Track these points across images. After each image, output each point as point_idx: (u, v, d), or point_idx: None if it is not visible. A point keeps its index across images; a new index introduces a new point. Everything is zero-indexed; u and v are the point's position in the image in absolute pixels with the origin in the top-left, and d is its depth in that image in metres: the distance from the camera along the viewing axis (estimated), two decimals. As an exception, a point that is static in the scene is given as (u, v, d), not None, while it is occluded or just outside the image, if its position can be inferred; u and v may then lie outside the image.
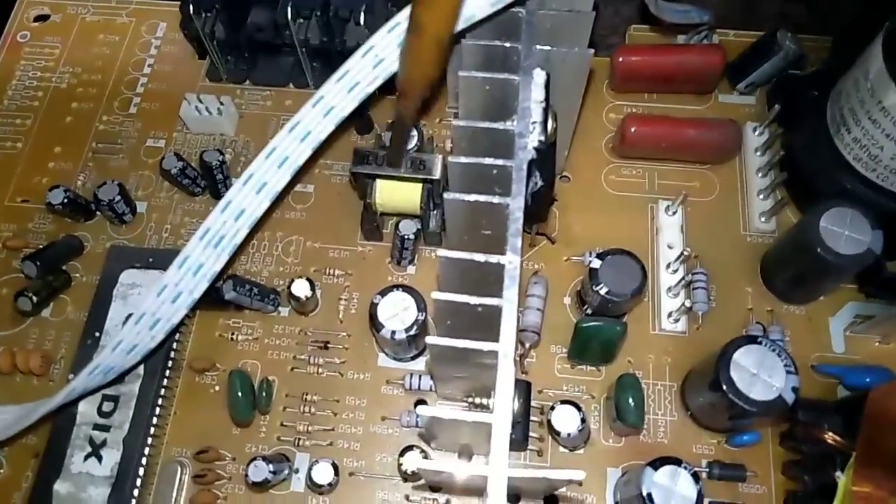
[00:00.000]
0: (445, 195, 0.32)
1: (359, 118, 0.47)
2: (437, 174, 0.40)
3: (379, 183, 0.41)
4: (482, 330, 0.31)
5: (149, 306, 0.36)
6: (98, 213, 0.46)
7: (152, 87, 0.52)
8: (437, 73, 0.36)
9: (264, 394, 0.39)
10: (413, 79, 0.34)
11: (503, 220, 0.32)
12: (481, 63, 0.36)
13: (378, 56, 0.36)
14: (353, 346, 0.43)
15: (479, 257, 0.31)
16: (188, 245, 0.36)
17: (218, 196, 0.46)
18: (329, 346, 0.43)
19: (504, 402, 0.28)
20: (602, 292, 0.38)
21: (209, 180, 0.45)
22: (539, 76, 0.35)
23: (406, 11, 0.35)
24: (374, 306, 0.38)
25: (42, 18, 0.55)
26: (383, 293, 0.38)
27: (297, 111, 0.38)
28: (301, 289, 0.40)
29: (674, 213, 0.45)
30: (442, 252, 0.31)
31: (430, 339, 0.30)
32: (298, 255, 0.46)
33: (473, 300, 0.30)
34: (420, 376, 0.41)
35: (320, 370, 0.42)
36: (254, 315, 0.44)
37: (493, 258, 0.31)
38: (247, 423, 0.40)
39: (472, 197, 0.32)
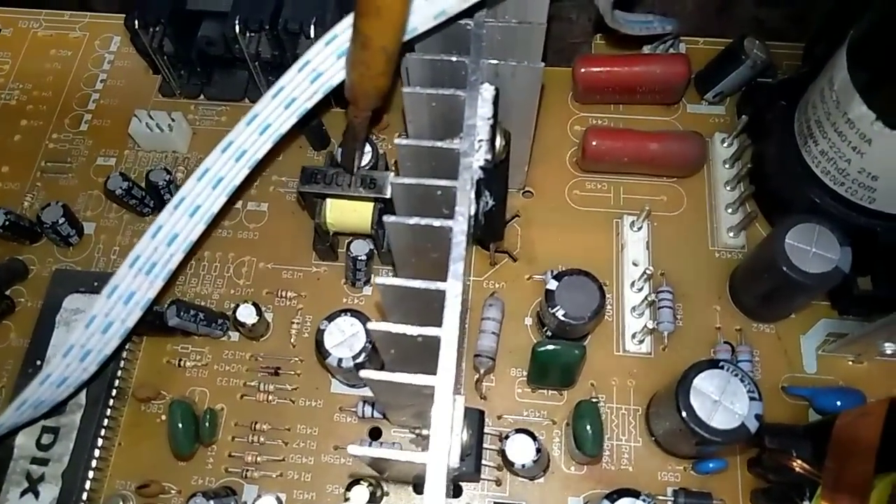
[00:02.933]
0: (385, 218, 0.31)
1: (313, 133, 0.46)
2: (388, 193, 0.38)
3: (329, 202, 0.40)
4: (427, 360, 0.29)
5: (77, 338, 0.34)
6: (44, 235, 0.45)
7: (104, 102, 0.50)
8: (387, 84, 0.34)
9: (207, 424, 0.38)
10: (362, 90, 0.33)
11: (447, 244, 0.31)
12: (428, 78, 0.35)
13: (316, 70, 0.34)
14: (306, 372, 0.41)
15: (417, 284, 0.29)
16: (117, 273, 0.35)
17: (167, 216, 0.45)
18: (280, 372, 0.41)
19: (440, 440, 0.27)
20: (559, 315, 0.36)
21: (157, 200, 0.44)
22: (487, 91, 0.33)
23: (345, 22, 0.34)
24: (320, 332, 0.36)
25: (-8, 33, 0.53)
26: (330, 318, 0.37)
27: (232, 129, 0.36)
28: (247, 314, 0.39)
29: (639, 228, 0.43)
30: (380, 280, 0.29)
31: (365, 373, 0.28)
32: (251, 276, 0.44)
33: (411, 330, 0.29)
34: (371, 404, 0.39)
35: (271, 397, 0.41)
36: (203, 340, 0.42)
37: (433, 285, 0.29)
38: (188, 456, 0.38)
39: (412, 220, 0.30)
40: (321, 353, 0.36)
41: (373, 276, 0.43)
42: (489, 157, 0.32)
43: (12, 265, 0.43)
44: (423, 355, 0.30)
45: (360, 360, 0.36)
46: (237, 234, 0.45)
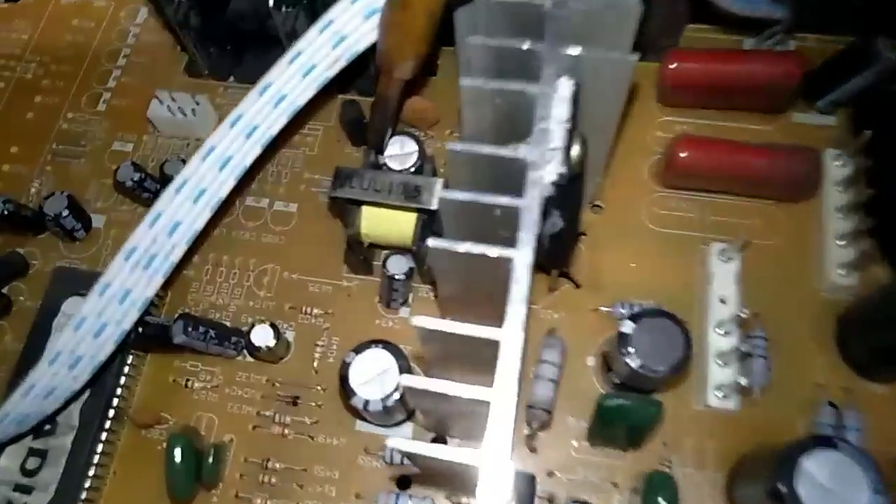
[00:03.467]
0: (430, 243, 0.25)
1: (353, 125, 0.40)
2: (434, 205, 0.32)
3: (365, 210, 0.34)
4: (473, 423, 0.23)
5: (65, 343, 0.30)
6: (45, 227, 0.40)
7: (126, 81, 0.45)
8: (427, 50, 0.29)
9: (212, 461, 0.32)
10: (398, 56, 0.27)
11: (504, 280, 0.24)
12: (491, 68, 0.28)
13: (339, 33, 0.28)
14: (328, 404, 0.36)
15: (464, 330, 0.23)
16: (111, 268, 0.30)
17: (183, 213, 0.40)
18: (299, 401, 0.36)
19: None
20: (633, 365, 0.30)
21: (172, 195, 0.39)
22: (564, 87, 0.27)
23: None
24: (345, 367, 0.31)
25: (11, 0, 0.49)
26: (358, 350, 0.31)
27: (241, 101, 0.31)
28: (262, 337, 0.33)
29: (729, 258, 0.36)
30: (418, 321, 0.23)
31: (393, 442, 0.22)
32: (273, 287, 0.38)
33: (454, 390, 0.23)
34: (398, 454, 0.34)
35: (287, 431, 0.35)
36: (214, 358, 0.37)
37: (485, 331, 0.23)
38: (185, 501, 0.33)
39: (462, 247, 0.24)
40: (346, 390, 0.31)
41: (411, 295, 0.37)
42: (563, 170, 0.26)
43: (11, 259, 0.39)
44: (469, 416, 0.24)
45: (390, 402, 0.30)
46: (261, 238, 0.40)
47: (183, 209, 0.30)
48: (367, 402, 0.30)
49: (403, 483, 0.34)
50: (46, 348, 0.35)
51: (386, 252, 0.37)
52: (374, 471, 0.34)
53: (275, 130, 0.31)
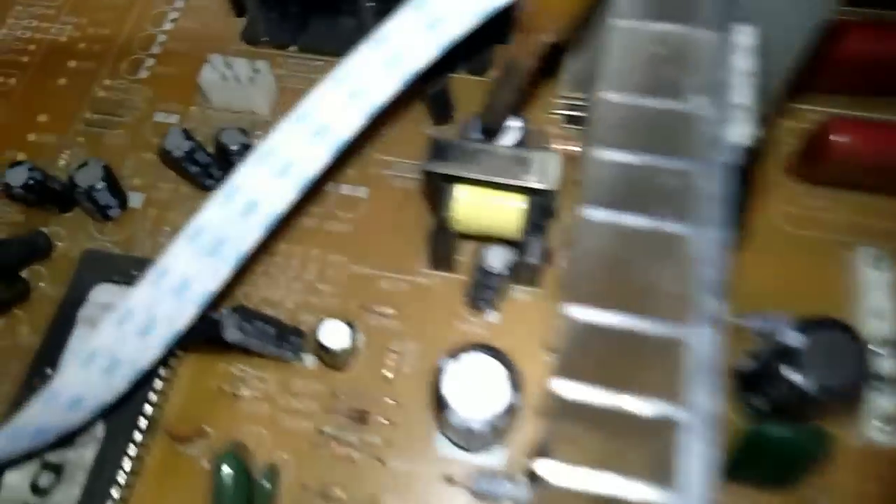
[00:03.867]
0: (586, 211, 0.19)
1: (436, 100, 0.35)
2: (550, 182, 0.27)
3: (461, 190, 0.28)
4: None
5: (104, 341, 0.24)
6: (77, 203, 0.35)
7: (172, 46, 0.40)
8: (582, 7, 0.23)
9: (268, 485, 0.26)
10: (546, 10, 0.22)
11: (683, 267, 0.19)
12: (647, 8, 0.23)
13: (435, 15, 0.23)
14: (403, 422, 0.30)
15: (644, 324, 0.17)
16: (170, 251, 0.24)
17: (236, 192, 0.34)
18: (368, 417, 0.30)
19: None
20: (806, 385, 0.24)
21: (226, 170, 0.33)
22: (745, 35, 0.22)
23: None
24: (439, 375, 0.25)
25: (49, -43, 0.44)
26: (455, 355, 0.25)
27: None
28: (335, 336, 0.27)
29: (885, 267, 0.30)
30: (571, 309, 0.18)
31: (550, 470, 0.17)
32: (338, 282, 0.33)
33: (627, 402, 0.17)
34: (500, 480, 0.28)
35: (354, 453, 0.29)
36: (265, 362, 0.31)
37: (666, 327, 0.18)
38: None
39: (636, 220, 0.19)
40: (440, 405, 0.25)
41: (505, 296, 0.31)
42: (752, 131, 0.20)
43: (32, 239, 0.33)
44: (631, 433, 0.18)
45: (499, 423, 0.24)
46: (324, 225, 0.34)
47: (266, 185, 0.24)
48: (466, 423, 0.24)
49: (495, 523, 0.28)
50: (76, 347, 0.30)
51: (482, 246, 0.31)
52: (460, 505, 0.28)
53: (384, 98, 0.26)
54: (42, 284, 0.34)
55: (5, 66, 0.40)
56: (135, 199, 0.35)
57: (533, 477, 0.28)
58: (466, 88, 0.36)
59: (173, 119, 0.38)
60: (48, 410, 0.24)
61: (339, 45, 0.38)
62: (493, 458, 0.29)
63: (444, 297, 0.32)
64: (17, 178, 0.32)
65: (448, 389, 0.24)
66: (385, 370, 0.31)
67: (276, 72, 0.38)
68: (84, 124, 0.38)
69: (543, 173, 0.27)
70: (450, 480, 0.28)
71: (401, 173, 0.35)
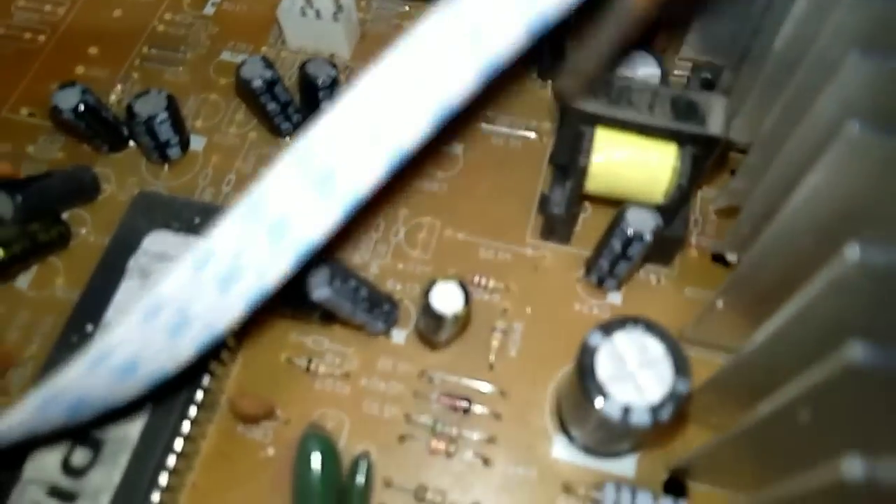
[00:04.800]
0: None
1: (547, 51, 0.30)
2: (718, 129, 0.22)
3: (604, 136, 0.23)
4: None
5: (172, 291, 0.18)
6: (131, 140, 0.30)
7: (242, -18, 0.36)
8: None
9: (360, 479, 0.21)
10: None
11: None
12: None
13: None
14: (512, 416, 0.25)
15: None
16: (266, 177, 0.19)
17: (316, 139, 0.30)
18: (470, 407, 0.25)
19: None
20: None
21: (308, 110, 0.28)
22: None
23: None
24: (589, 353, 0.20)
25: None
26: (607, 329, 0.20)
27: None
28: (447, 299, 0.22)
29: None
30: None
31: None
32: (430, 247, 0.28)
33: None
34: (632, 491, 0.23)
35: (452, 448, 0.24)
36: (347, 334, 0.26)
37: None
38: None
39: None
40: (587, 391, 0.20)
41: (633, 274, 0.26)
42: None
43: (77, 174, 0.28)
44: None
45: (663, 415, 0.19)
46: (415, 183, 0.29)
47: (396, 97, 0.19)
48: (626, 411, 0.19)
49: (625, 543, 0.23)
50: (125, 300, 0.25)
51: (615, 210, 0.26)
52: (581, 520, 0.23)
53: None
54: (83, 231, 0.29)
55: (54, -6, 0.36)
56: (195, 143, 0.31)
57: (671, 490, 0.24)
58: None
59: (241, 59, 0.33)
60: (94, 375, 0.19)
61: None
62: (621, 466, 0.24)
63: (556, 273, 0.27)
64: (68, 100, 0.27)
65: (602, 371, 0.20)
66: (489, 352, 0.26)
67: (360, 17, 0.34)
68: (140, 59, 0.33)
69: (713, 117, 0.22)
70: (568, 489, 0.23)
71: (502, 130, 0.30)
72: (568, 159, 0.25)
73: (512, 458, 0.24)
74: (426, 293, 0.22)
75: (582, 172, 0.23)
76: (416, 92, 0.19)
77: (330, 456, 0.20)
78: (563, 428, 0.24)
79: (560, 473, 0.24)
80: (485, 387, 0.25)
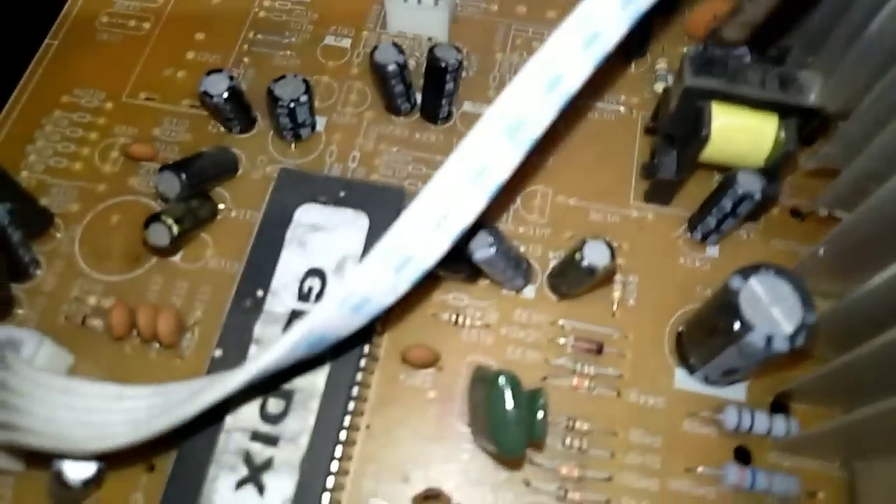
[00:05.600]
0: None
1: (636, 34, 0.33)
2: (818, 100, 0.26)
3: (718, 108, 0.27)
4: None
5: (402, 232, 0.22)
6: (257, 122, 0.32)
7: (335, -30, 0.38)
8: None
9: (541, 412, 0.24)
10: None
11: None
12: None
13: None
14: (636, 354, 0.28)
15: None
16: (476, 129, 0.22)
17: (434, 116, 0.32)
18: (603, 349, 0.28)
19: None
20: None
21: (432, 91, 0.31)
22: None
23: None
24: (733, 295, 0.24)
25: None
26: (745, 274, 0.24)
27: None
28: (597, 254, 0.26)
29: None
30: None
31: None
32: (545, 212, 0.31)
33: None
34: (750, 412, 0.27)
35: (590, 384, 0.28)
36: (484, 291, 0.29)
37: None
38: (519, 459, 0.26)
39: None
40: (731, 322, 0.23)
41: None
42: None
43: (222, 155, 0.31)
44: None
45: (799, 342, 0.23)
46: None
47: (534, 102, 0.23)
48: (769, 339, 0.23)
49: (742, 456, 0.27)
50: (284, 270, 0.28)
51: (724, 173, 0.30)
52: (706, 440, 0.27)
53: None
54: (222, 206, 0.31)
55: (152, -18, 0.37)
56: (318, 123, 0.33)
57: (776, 410, 0.28)
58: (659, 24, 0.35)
59: (345, 43, 0.35)
60: (337, 313, 0.22)
61: (518, -26, 0.37)
62: (735, 392, 0.28)
63: (659, 231, 0.31)
64: (217, 86, 0.29)
65: (745, 307, 0.23)
66: (611, 303, 0.29)
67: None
68: (248, 44, 0.35)
69: (812, 90, 0.26)
70: (692, 414, 0.27)
71: (597, 103, 0.34)
72: (681, 131, 0.28)
73: (640, 390, 0.28)
74: (577, 251, 0.26)
75: (704, 141, 0.27)
76: (548, 92, 0.23)
77: (519, 390, 0.24)
78: (684, 362, 0.28)
79: (683, 401, 0.28)
80: (610, 331, 0.29)
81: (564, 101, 0.24)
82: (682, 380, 0.28)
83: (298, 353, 0.22)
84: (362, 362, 0.27)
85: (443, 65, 0.30)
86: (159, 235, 0.28)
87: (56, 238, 0.31)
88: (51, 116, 0.34)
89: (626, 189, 0.32)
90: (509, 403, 0.23)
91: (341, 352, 0.26)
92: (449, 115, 0.33)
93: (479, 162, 0.23)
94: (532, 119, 0.23)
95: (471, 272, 0.28)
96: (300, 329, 0.21)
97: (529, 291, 0.30)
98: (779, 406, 0.28)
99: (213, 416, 0.26)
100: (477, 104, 0.34)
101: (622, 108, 0.34)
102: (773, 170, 0.28)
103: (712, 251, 0.31)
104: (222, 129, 0.33)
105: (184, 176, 0.28)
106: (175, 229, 0.28)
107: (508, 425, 0.23)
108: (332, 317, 0.22)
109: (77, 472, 0.23)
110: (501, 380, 0.23)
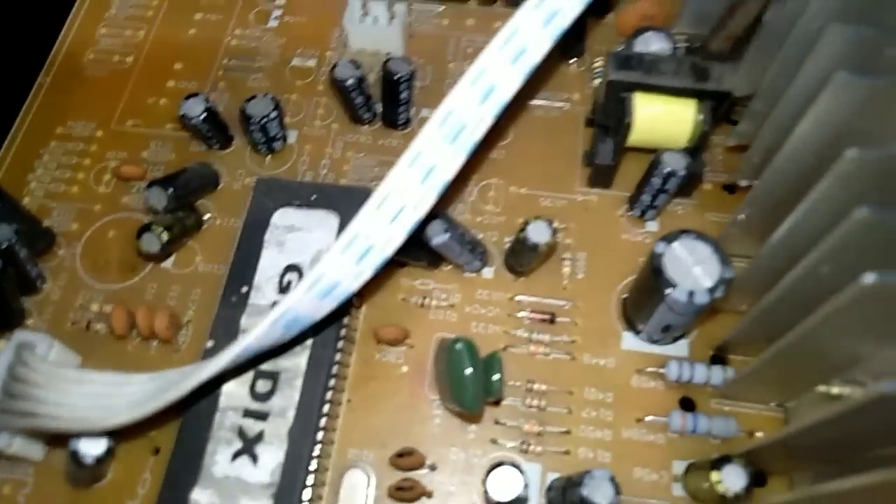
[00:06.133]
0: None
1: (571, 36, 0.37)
2: (729, 86, 0.29)
3: (641, 99, 0.30)
4: None
5: (361, 227, 0.25)
6: (234, 140, 0.36)
7: (296, -4, 0.42)
8: None
9: (497, 373, 0.28)
10: None
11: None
12: None
13: None
14: (587, 321, 0.32)
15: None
16: (421, 135, 0.25)
17: (394, 123, 0.36)
18: (555, 318, 0.32)
19: None
20: None
21: (389, 100, 0.35)
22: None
23: None
24: (657, 258, 0.27)
25: (160, -84, 0.45)
26: (668, 239, 0.27)
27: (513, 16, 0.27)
28: (539, 232, 0.29)
29: None
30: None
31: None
32: (499, 202, 0.35)
33: None
34: (690, 365, 0.30)
35: (546, 350, 0.31)
36: (447, 275, 0.33)
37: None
38: (478, 414, 0.29)
39: None
40: (659, 282, 0.27)
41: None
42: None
43: (204, 171, 0.34)
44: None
45: (718, 293, 0.26)
46: (480, 154, 0.36)
47: (471, 107, 0.26)
48: (691, 294, 0.26)
49: (687, 405, 0.30)
50: (265, 267, 0.31)
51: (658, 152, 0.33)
52: (653, 393, 0.30)
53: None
54: (208, 216, 0.34)
55: (132, 20, 0.41)
56: (290, 137, 0.36)
57: (716, 362, 0.31)
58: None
59: (311, 63, 0.39)
60: (307, 297, 0.25)
61: (463, -10, 0.40)
62: (677, 349, 0.31)
63: (603, 211, 0.34)
64: (194, 109, 0.33)
65: (669, 269, 0.27)
66: (561, 277, 0.33)
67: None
68: (223, 70, 0.39)
69: (723, 77, 0.30)
70: (639, 371, 0.31)
71: (541, 101, 0.37)
72: (612, 120, 0.32)
73: (592, 353, 0.31)
74: (521, 231, 0.29)
75: (627, 129, 0.30)
76: (483, 101, 0.26)
77: (473, 351, 0.27)
78: (630, 325, 0.31)
79: (631, 360, 0.31)
80: (562, 303, 0.32)
81: (499, 108, 0.27)
82: (629, 341, 0.31)
83: (276, 335, 0.26)
84: (340, 343, 0.30)
85: (396, 76, 0.33)
86: (151, 243, 0.31)
87: (59, 255, 0.34)
88: (48, 147, 0.37)
89: (572, 176, 0.35)
90: (465, 363, 0.26)
91: (319, 333, 0.30)
92: (408, 122, 0.36)
93: (427, 163, 0.26)
94: (471, 124, 0.27)
95: (432, 258, 0.31)
96: (275, 313, 0.25)
97: (488, 273, 0.33)
98: (718, 360, 0.31)
99: (209, 398, 0.29)
100: (433, 110, 0.37)
101: (566, 105, 0.37)
102: (696, 148, 0.31)
103: (651, 226, 0.34)
104: (204, 147, 0.36)
105: (170, 189, 0.31)
106: (164, 236, 0.31)
107: (466, 383, 0.26)
108: (303, 300, 0.25)
109: (90, 448, 0.26)
110: (458, 345, 0.27)
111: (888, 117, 0.23)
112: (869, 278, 0.19)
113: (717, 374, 0.30)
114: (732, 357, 0.31)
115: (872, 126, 0.23)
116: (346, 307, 0.30)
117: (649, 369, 0.31)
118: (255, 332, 0.25)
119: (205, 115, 0.33)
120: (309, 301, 0.25)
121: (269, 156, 0.36)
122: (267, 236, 0.32)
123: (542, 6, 0.27)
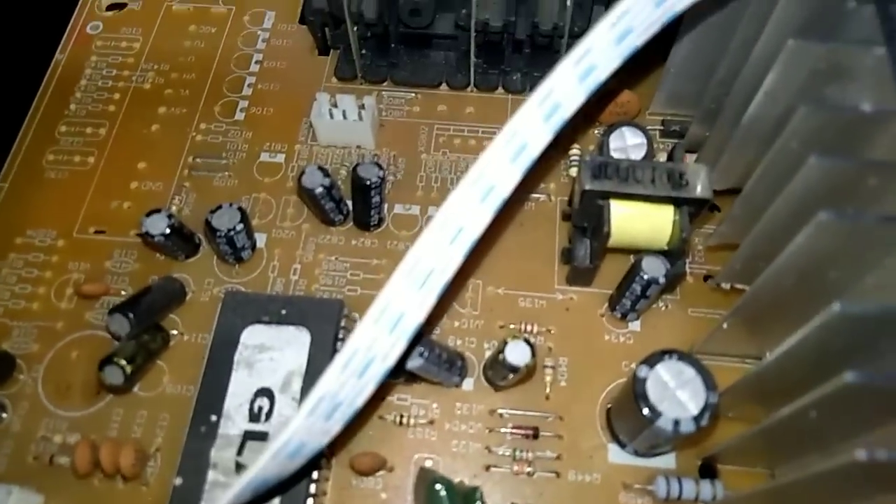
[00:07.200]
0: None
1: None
2: (703, 193, 0.29)
3: (618, 206, 0.30)
4: None
5: (328, 386, 0.24)
6: (201, 247, 0.35)
7: (263, 88, 0.40)
8: None
9: (479, 507, 0.27)
10: None
11: None
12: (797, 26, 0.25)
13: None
14: (571, 434, 0.31)
15: None
16: (390, 284, 0.24)
17: (367, 225, 0.35)
18: (538, 433, 0.31)
19: None
20: None
21: (361, 204, 0.33)
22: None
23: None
24: (640, 384, 0.26)
25: (117, 7, 0.44)
26: (650, 362, 0.26)
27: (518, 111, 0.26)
28: (519, 355, 0.28)
29: None
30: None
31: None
32: (477, 304, 0.34)
33: None
34: (678, 480, 0.29)
35: (530, 469, 0.30)
36: (425, 389, 0.32)
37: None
38: None
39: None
40: (642, 409, 0.26)
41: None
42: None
43: (168, 286, 0.33)
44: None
45: (704, 422, 0.25)
46: (454, 251, 0.35)
47: (470, 209, 0.25)
48: (677, 424, 0.25)
49: (677, 522, 0.29)
50: (235, 392, 0.30)
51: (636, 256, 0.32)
52: (642, 510, 0.29)
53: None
54: (175, 332, 0.33)
55: (93, 116, 0.39)
56: (259, 240, 0.35)
57: (705, 474, 0.30)
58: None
59: (279, 158, 0.38)
60: (274, 462, 0.24)
61: (434, 77, 0.40)
62: (665, 461, 0.30)
63: (584, 311, 0.33)
64: (157, 226, 0.32)
65: (652, 394, 0.26)
66: (544, 386, 0.31)
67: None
68: (188, 169, 0.38)
69: (699, 183, 0.29)
70: (626, 486, 0.30)
71: (516, 192, 0.36)
72: (589, 223, 0.31)
73: (577, 469, 0.30)
74: (500, 352, 0.28)
75: (606, 237, 0.29)
76: (482, 201, 0.25)
77: (453, 493, 0.26)
78: (615, 438, 0.30)
79: (618, 474, 0.30)
80: (545, 415, 0.31)
81: (498, 206, 0.26)
82: (616, 454, 0.30)
83: (243, 500, 0.24)
84: (314, 474, 0.29)
85: (367, 182, 0.32)
86: (114, 376, 0.29)
87: (20, 380, 0.32)
88: (6, 260, 0.35)
89: (550, 274, 0.34)
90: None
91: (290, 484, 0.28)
92: (380, 222, 0.35)
93: (425, 268, 0.25)
94: (470, 227, 0.25)
95: (408, 377, 0.30)
96: (236, 486, 0.23)
97: (468, 384, 0.32)
98: (707, 469, 0.30)
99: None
100: (407, 206, 0.36)
101: (542, 196, 0.36)
102: (677, 252, 0.30)
103: (634, 326, 0.33)
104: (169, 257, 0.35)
105: (131, 315, 0.30)
106: (128, 369, 0.29)
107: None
108: (271, 465, 0.24)
109: None
110: (437, 486, 0.25)
111: (868, 254, 0.22)
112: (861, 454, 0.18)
113: (707, 490, 0.29)
114: (722, 466, 0.30)
115: (853, 261, 0.22)
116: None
117: (637, 485, 0.29)
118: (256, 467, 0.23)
119: (168, 230, 0.32)
120: (277, 464, 0.24)
121: (238, 265, 0.34)
122: (236, 357, 0.31)
123: (545, 103, 0.26)
